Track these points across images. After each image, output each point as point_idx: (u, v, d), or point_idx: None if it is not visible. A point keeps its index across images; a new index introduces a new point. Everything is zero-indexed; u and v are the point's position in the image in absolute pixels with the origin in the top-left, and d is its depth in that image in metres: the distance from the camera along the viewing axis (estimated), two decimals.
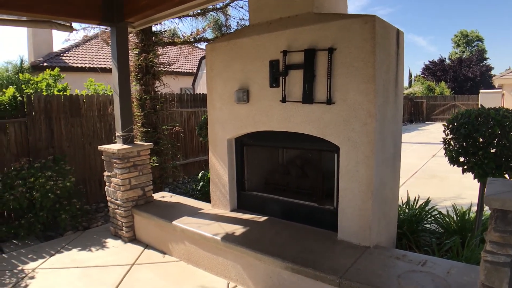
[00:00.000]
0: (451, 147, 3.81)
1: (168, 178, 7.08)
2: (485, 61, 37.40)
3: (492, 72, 33.89)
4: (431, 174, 8.83)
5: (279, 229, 3.88)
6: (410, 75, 46.50)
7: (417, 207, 4.83)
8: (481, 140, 3.54)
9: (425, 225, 4.60)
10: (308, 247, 3.40)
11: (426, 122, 25.99)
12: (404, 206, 4.90)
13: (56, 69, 8.07)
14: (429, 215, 4.68)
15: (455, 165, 3.92)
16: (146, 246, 4.74)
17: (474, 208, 4.37)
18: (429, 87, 30.23)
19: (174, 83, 7.52)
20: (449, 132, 3.84)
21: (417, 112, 27.04)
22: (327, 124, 3.40)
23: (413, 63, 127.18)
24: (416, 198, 5.01)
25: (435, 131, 19.13)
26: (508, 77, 19.69)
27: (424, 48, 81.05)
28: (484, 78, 32.85)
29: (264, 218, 4.22)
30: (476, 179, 3.76)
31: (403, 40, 3.74)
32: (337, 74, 3.29)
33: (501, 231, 2.01)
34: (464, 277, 2.79)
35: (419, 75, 36.18)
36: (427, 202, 4.84)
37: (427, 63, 35.19)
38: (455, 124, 3.71)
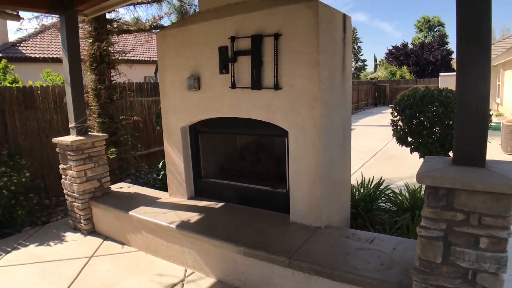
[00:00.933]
0: (398, 127, 3.97)
1: (130, 168, 6.99)
2: (446, 46, 38.65)
3: (452, 56, 35.04)
4: (389, 155, 9.13)
5: (234, 214, 3.93)
6: (376, 60, 47.48)
7: (371, 187, 5.00)
8: (426, 120, 3.71)
9: (379, 204, 4.78)
10: (261, 230, 3.48)
11: (390, 105, 26.62)
12: (359, 186, 5.07)
13: (4, 61, 7.73)
14: (383, 195, 4.87)
15: (403, 145, 4.09)
16: (106, 238, 4.69)
17: None
18: (392, 71, 30.98)
19: (137, 71, 7.39)
20: (396, 114, 4.00)
21: (381, 96, 27.70)
22: (276, 110, 3.45)
23: (379, 48, 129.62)
24: (371, 179, 5.19)
25: None
26: None
27: (389, 33, 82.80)
28: (444, 61, 33.93)
29: (220, 204, 4.27)
30: (422, 158, 3.94)
31: (350, 25, 3.82)
32: (283, 60, 3.34)
33: (433, 207, 2.12)
34: (409, 252, 2.93)
35: (383, 60, 36.98)
36: (381, 182, 5.03)
37: (391, 48, 35.97)
38: (402, 105, 3.86)
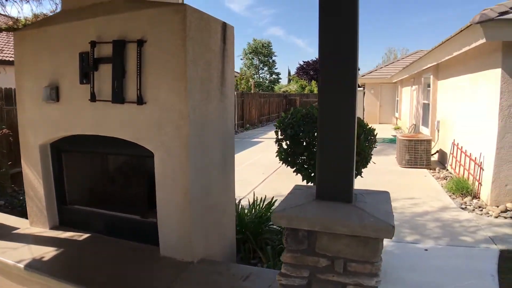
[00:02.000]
0: (281, 148, 3.74)
1: (6, 188, 5.95)
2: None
3: (360, 72, 37.50)
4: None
5: (99, 249, 3.34)
6: (289, 74, 49.10)
7: (263, 207, 4.73)
8: (306, 141, 3.51)
9: (271, 226, 4.51)
10: (125, 268, 2.95)
11: (274, 124, 27.51)
12: (250, 207, 4.77)
13: None
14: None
15: (288, 166, 3.86)
16: None
17: None
18: (302, 85, 32.14)
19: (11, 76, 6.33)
20: (280, 133, 3.76)
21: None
22: (140, 127, 2.97)
23: (294, 62, 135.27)
24: (263, 198, 4.92)
25: None
26: (367, 77, 21.88)
27: (303, 49, 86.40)
28: None
29: (86, 235, 3.64)
30: (305, 181, 3.74)
31: (232, 35, 3.50)
32: (148, 70, 2.88)
33: (293, 251, 1.81)
34: None
35: (294, 75, 38.35)
36: (272, 202, 4.77)
37: (302, 63, 37.51)
38: (283, 124, 3.63)
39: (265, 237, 4.25)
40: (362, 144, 3.29)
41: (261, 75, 53.02)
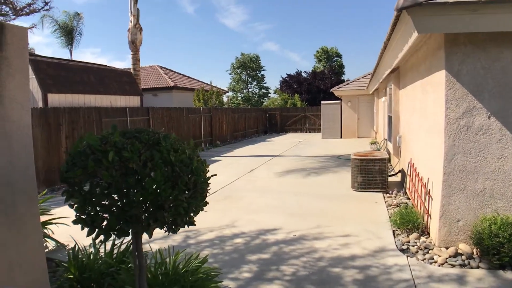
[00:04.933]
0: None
1: None
2: (343, 75, 40.43)
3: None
4: (227, 194, 7.79)
5: None
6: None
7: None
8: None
9: None
10: None
11: (280, 133, 26.31)
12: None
13: None
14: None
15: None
16: None
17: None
18: (284, 99, 30.97)
19: None
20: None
21: (271, 124, 27.29)
22: None
23: None
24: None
25: (280, 143, 19.03)
26: (344, 89, 20.72)
27: (297, 63, 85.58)
28: None
29: None
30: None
31: (19, 39, 2.30)
32: None
33: None
34: None
35: (277, 88, 37.20)
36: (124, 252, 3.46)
37: (285, 76, 36.33)
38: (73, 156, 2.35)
39: None
40: (165, 191, 2.00)
41: (250, 90, 52.02)
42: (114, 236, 2.40)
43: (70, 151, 2.34)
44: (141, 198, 2.05)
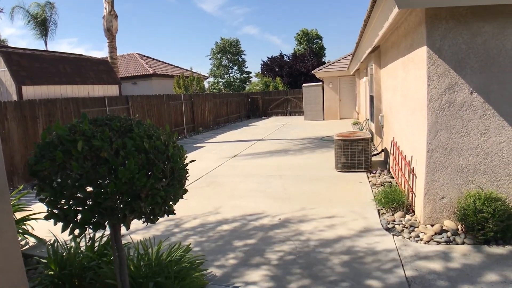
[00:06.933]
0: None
1: None
2: (324, 57, 40.24)
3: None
4: (211, 180, 7.68)
5: None
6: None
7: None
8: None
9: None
10: None
11: (263, 117, 26.19)
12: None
13: None
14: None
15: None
16: None
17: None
18: (266, 83, 30.75)
19: None
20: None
21: (254, 108, 27.13)
22: None
23: None
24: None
25: (263, 127, 18.93)
26: (325, 70, 20.64)
27: (279, 46, 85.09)
28: None
29: None
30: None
31: None
32: None
33: None
34: None
35: (258, 72, 36.88)
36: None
37: (266, 59, 36.02)
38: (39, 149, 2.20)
39: None
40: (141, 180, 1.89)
41: (231, 75, 51.59)
42: (90, 229, 2.28)
43: (38, 142, 2.19)
44: (114, 189, 1.93)
